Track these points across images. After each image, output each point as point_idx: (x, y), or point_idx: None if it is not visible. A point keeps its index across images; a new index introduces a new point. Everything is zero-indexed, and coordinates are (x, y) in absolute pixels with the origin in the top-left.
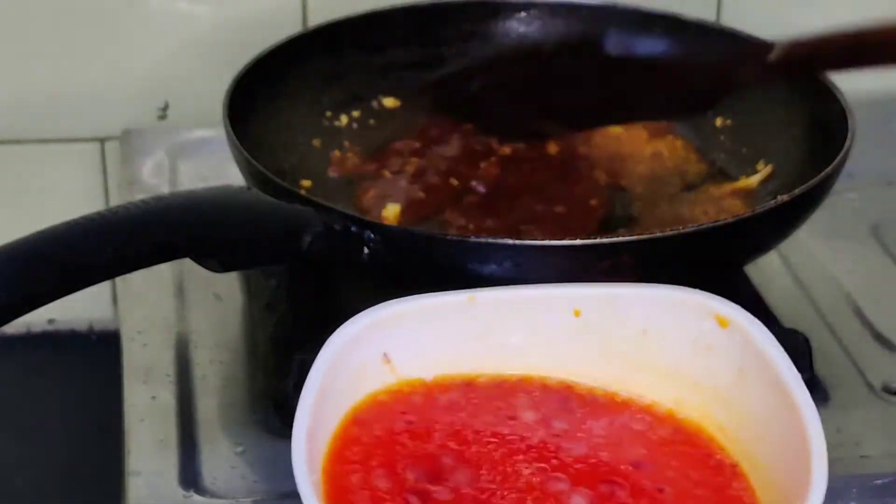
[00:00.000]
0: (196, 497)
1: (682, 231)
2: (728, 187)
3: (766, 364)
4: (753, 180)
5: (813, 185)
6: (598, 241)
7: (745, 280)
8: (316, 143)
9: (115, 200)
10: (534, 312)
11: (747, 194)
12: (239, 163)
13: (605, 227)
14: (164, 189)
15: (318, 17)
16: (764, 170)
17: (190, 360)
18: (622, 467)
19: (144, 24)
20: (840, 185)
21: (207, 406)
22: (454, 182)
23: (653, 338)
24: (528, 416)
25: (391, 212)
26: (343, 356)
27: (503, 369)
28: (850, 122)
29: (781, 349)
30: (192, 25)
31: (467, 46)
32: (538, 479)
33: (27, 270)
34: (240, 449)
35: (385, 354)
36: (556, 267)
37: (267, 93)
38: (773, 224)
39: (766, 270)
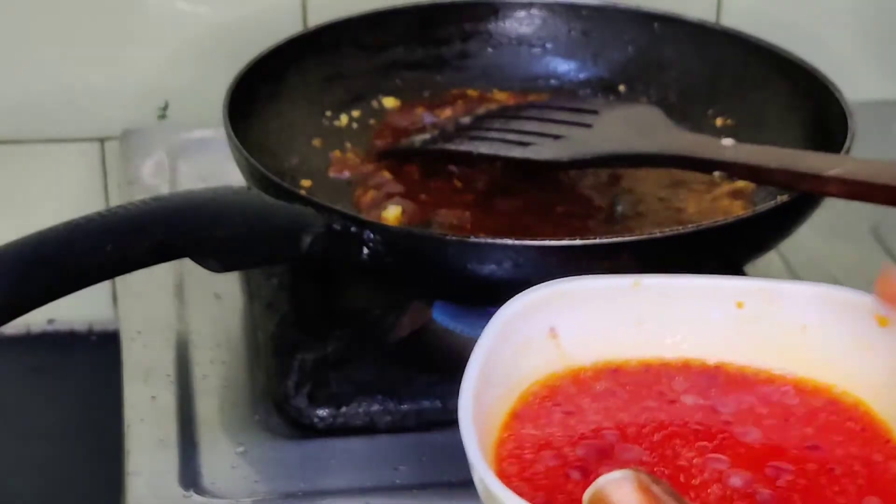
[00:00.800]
0: (196, 497)
1: (682, 231)
2: (728, 187)
3: None
4: None
5: None
6: (598, 241)
7: None
8: (316, 143)
9: (115, 200)
10: (697, 301)
11: (747, 194)
12: (239, 163)
13: (606, 227)
14: (164, 189)
15: (318, 17)
16: None
17: (190, 360)
18: (792, 450)
19: (144, 24)
20: None
21: (207, 406)
22: (457, 184)
23: (812, 334)
24: (689, 399)
25: (392, 213)
26: (510, 328)
27: (663, 355)
28: (850, 122)
29: None
30: (192, 25)
31: (467, 46)
32: (699, 459)
33: (27, 270)
34: (240, 449)
35: (552, 329)
36: (556, 267)
37: (267, 93)
38: (773, 224)
39: (766, 270)
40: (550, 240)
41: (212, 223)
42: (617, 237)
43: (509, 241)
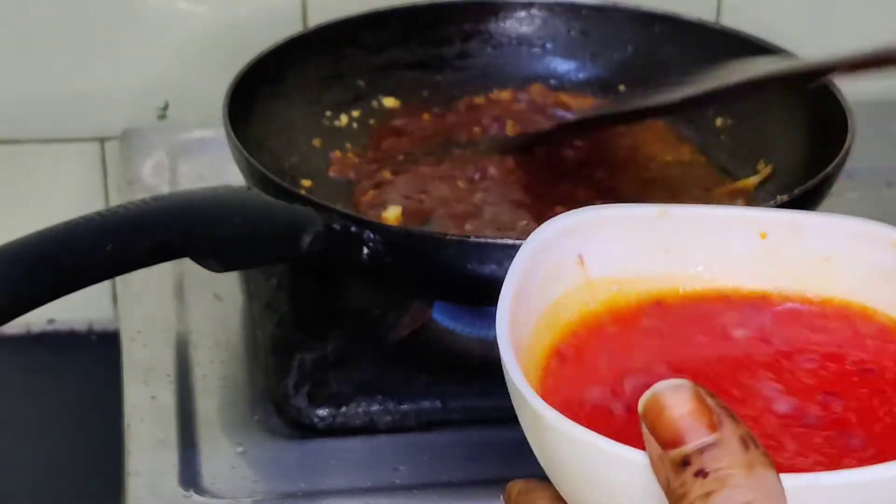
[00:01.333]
0: (196, 497)
1: None
2: (728, 187)
3: None
4: (753, 181)
5: (813, 185)
6: None
7: None
8: (316, 143)
9: (115, 200)
10: (721, 231)
11: (747, 194)
12: (239, 163)
13: None
14: (164, 189)
15: (318, 17)
16: (764, 170)
17: (190, 360)
18: (847, 376)
19: (144, 24)
20: (840, 185)
21: (207, 406)
22: (459, 184)
23: (834, 265)
24: (741, 333)
25: (392, 213)
26: (542, 253)
27: (688, 282)
28: (850, 122)
29: None
30: (192, 25)
31: (467, 46)
32: (754, 388)
33: (27, 270)
34: (240, 449)
35: (580, 256)
36: None
37: (267, 93)
38: None
39: None
40: None
41: (212, 223)
42: None
43: (509, 241)
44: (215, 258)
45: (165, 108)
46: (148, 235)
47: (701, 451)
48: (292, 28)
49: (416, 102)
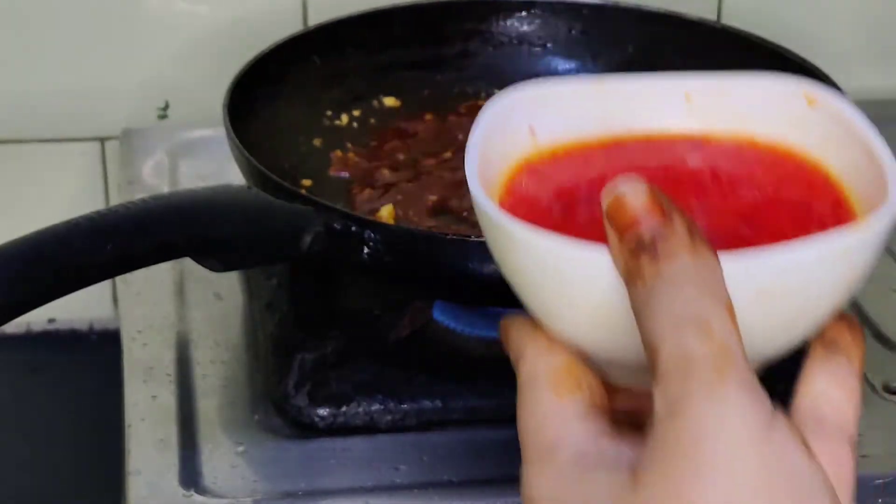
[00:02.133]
0: (196, 497)
1: None
2: None
3: (852, 131)
4: None
5: None
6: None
7: None
8: (316, 143)
9: (115, 200)
10: (652, 96)
11: None
12: (239, 162)
13: None
14: (164, 189)
15: (318, 17)
16: None
17: (190, 359)
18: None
19: (144, 24)
20: None
21: (207, 406)
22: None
23: (753, 119)
24: (694, 159)
25: (385, 211)
26: (499, 120)
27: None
28: None
29: (866, 119)
30: (192, 25)
31: (467, 46)
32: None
33: (27, 270)
34: (240, 449)
35: (530, 126)
36: None
37: (267, 93)
38: None
39: None
40: None
41: (212, 223)
42: None
43: None
44: (215, 258)
45: (165, 108)
46: (148, 235)
47: (654, 236)
48: (292, 28)
49: (416, 102)
